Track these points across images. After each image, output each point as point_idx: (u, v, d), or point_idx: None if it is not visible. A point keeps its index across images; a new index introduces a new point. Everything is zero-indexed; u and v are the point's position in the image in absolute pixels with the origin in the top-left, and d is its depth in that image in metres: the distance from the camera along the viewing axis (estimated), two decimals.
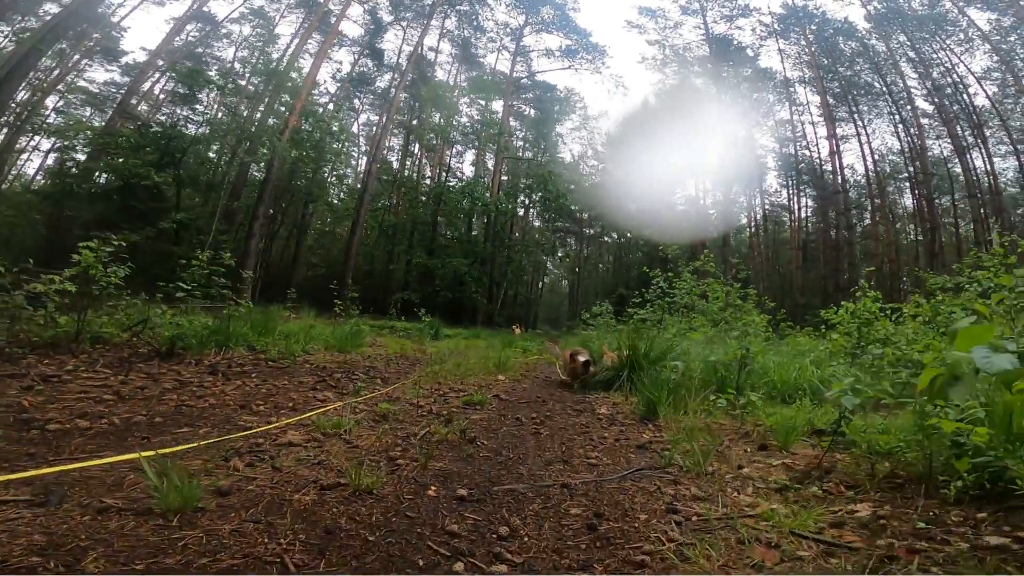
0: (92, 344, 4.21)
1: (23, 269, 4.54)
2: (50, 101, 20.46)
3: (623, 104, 47.08)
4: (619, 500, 1.79)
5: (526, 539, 1.44)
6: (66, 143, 16.18)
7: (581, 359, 4.97)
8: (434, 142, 27.47)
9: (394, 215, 25.14)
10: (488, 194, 23.66)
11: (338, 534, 1.37)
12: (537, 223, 36.18)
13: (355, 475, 1.71)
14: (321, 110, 21.67)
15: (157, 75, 22.70)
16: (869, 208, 33.00)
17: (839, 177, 30.98)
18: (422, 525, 1.48)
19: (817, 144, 33.76)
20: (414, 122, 26.45)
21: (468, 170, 33.27)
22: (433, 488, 1.77)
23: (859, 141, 31.80)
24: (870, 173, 31.79)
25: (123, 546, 1.19)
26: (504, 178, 30.22)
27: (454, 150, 30.94)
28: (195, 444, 2.02)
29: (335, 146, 20.43)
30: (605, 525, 1.55)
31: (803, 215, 36.18)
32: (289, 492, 1.61)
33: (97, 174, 15.49)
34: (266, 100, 18.26)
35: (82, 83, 21.53)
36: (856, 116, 32.02)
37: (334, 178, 22.05)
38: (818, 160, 33.99)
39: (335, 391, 3.71)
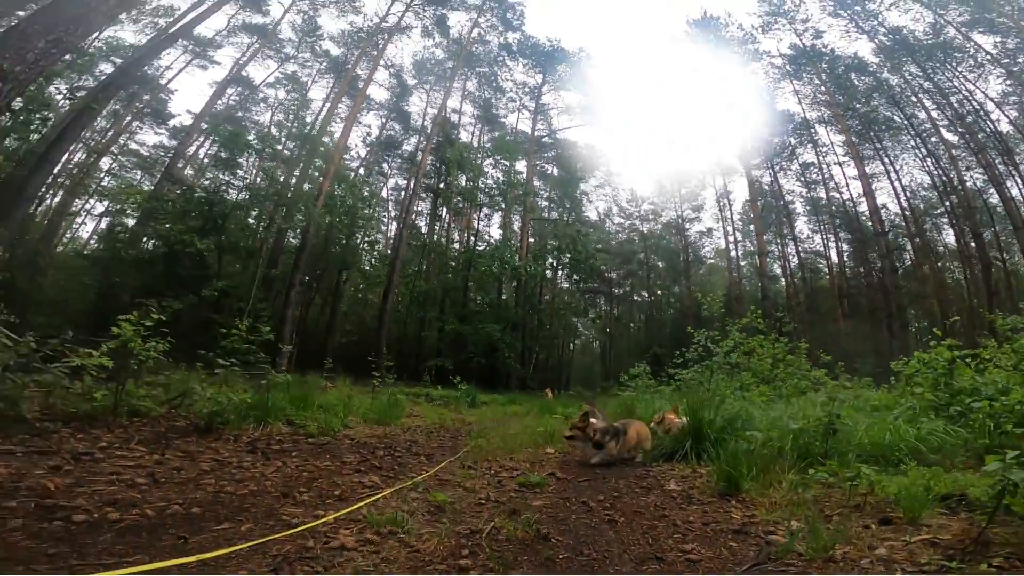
0: (129, 418, 4.09)
1: (64, 340, 4.53)
2: (104, 163, 22.04)
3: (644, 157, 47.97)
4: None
5: None
6: (117, 207, 17.08)
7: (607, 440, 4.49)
8: (461, 205, 28.27)
9: (424, 281, 25.47)
10: (517, 257, 23.84)
11: None
12: (565, 284, 36.20)
13: None
14: (352, 175, 22.72)
15: (201, 138, 24.48)
16: (909, 248, 31.94)
17: (876, 218, 30.23)
18: None
19: (847, 185, 33.22)
20: (441, 185, 27.37)
21: (495, 232, 34.06)
22: None
23: (889, 179, 31.21)
24: (905, 211, 30.98)
25: None
26: (531, 239, 30.65)
27: (481, 212, 31.77)
28: (238, 547, 1.77)
29: (366, 211, 21.19)
30: None
31: (839, 260, 35.22)
32: None
33: (144, 240, 16.18)
34: (300, 165, 19.34)
35: (133, 145, 23.22)
36: (881, 153, 31.65)
37: (366, 244, 22.65)
38: (850, 202, 33.35)
39: (380, 473, 3.42)
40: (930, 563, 1.67)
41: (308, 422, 5.15)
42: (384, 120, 31.12)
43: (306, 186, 17.95)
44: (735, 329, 10.30)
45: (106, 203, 18.13)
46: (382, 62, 26.05)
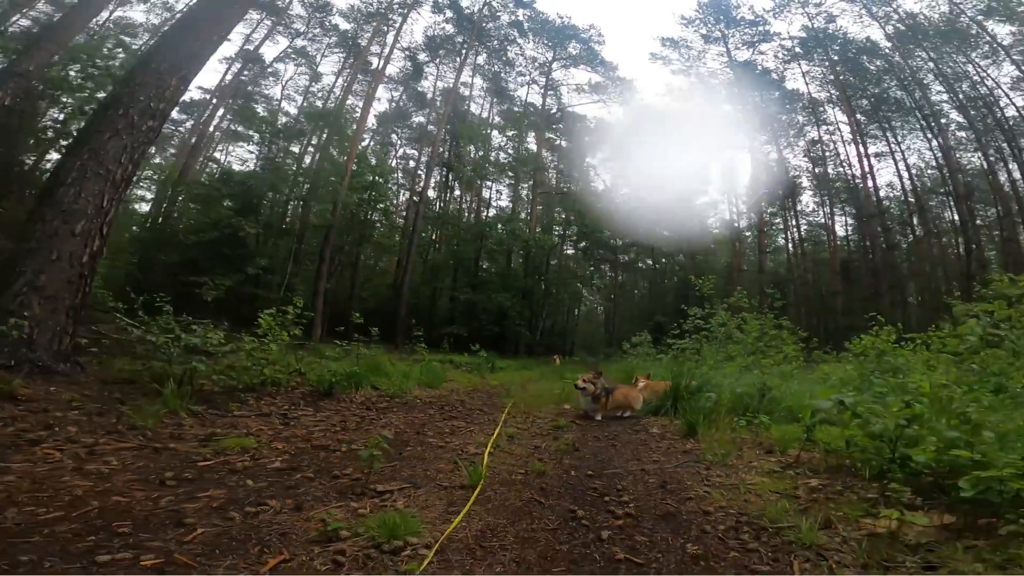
0: (274, 388, 5.88)
1: (211, 326, 6.23)
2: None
3: (653, 132, 48.58)
4: (676, 475, 3.25)
5: (631, 491, 2.92)
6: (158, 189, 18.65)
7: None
8: (471, 175, 29.68)
9: (437, 251, 27.18)
10: (527, 229, 25.47)
11: (547, 485, 2.88)
12: (571, 251, 37.83)
13: (532, 466, 3.23)
14: (372, 156, 24.14)
15: (218, 115, 25.71)
16: (915, 224, 33.21)
17: (876, 196, 31.60)
18: (577, 487, 2.97)
19: (850, 164, 34.28)
20: (450, 156, 28.70)
21: (504, 203, 35.48)
22: (572, 472, 3.28)
23: (893, 158, 32.37)
24: (907, 189, 32.23)
25: None
26: (539, 207, 32.11)
27: (492, 184, 33.19)
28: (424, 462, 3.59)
29: (385, 187, 22.72)
30: (670, 485, 3.02)
31: (843, 234, 36.64)
32: (515, 474, 3.14)
33: (190, 221, 17.81)
34: (315, 142, 20.58)
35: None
36: (889, 133, 32.65)
37: (381, 216, 24.22)
38: (853, 179, 34.39)
39: (462, 420, 5.26)
40: (769, 469, 3.44)
41: (386, 387, 6.99)
42: (398, 94, 32.08)
43: (327, 164, 19.40)
44: (721, 309, 12.02)
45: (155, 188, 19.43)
46: (396, 41, 26.84)
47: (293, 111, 32.18)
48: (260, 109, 28.19)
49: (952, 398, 3.24)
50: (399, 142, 36.47)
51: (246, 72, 27.09)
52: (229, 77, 27.49)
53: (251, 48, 26.91)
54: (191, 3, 7.91)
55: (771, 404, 5.59)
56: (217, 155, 29.17)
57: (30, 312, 4.46)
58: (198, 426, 3.71)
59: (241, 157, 30.49)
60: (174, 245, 16.96)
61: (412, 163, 34.61)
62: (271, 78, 30.06)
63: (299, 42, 30.09)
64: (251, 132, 25.08)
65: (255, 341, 5.69)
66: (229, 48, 27.35)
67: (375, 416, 5.12)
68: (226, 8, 7.00)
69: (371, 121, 30.90)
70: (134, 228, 18.78)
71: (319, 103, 26.33)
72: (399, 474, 3.02)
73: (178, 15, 20.35)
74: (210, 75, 35.70)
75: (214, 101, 25.45)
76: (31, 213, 5.07)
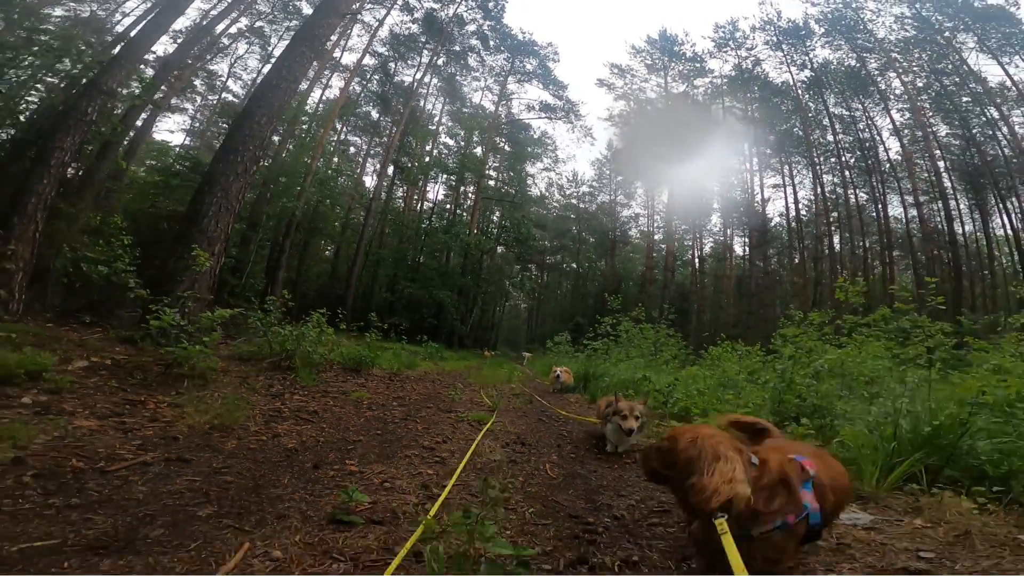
0: (327, 364, 8.88)
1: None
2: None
3: (590, 151, 53.70)
4: (577, 409, 6.97)
5: (561, 416, 6.57)
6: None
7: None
8: (419, 177, 32.45)
9: (380, 244, 29.76)
10: (468, 231, 28.84)
11: (525, 410, 6.44)
12: (501, 249, 41.72)
13: (515, 404, 6.78)
14: (333, 151, 26.24)
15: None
16: (796, 248, 40.37)
17: (767, 221, 38.53)
18: (535, 412, 6.56)
19: (753, 190, 40.76)
20: (404, 160, 31.28)
21: (443, 194, 38.43)
22: (531, 408, 6.88)
23: (784, 191, 39.18)
24: (790, 218, 39.23)
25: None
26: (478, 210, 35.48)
27: (437, 180, 36.06)
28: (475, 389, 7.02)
29: (341, 180, 25.00)
30: (576, 416, 6.72)
31: (741, 252, 43.48)
32: (509, 406, 6.65)
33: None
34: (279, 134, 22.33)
35: None
36: (787, 167, 39.49)
37: (337, 208, 26.28)
38: (757, 205, 40.90)
39: (457, 388, 8.67)
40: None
41: (386, 366, 10.16)
42: (357, 87, 33.84)
43: (291, 160, 21.47)
44: (626, 321, 16.20)
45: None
46: (370, 44, 28.89)
47: (237, 89, 33.04)
48: (199, 83, 28.98)
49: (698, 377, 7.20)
50: (344, 130, 38.26)
51: (195, 47, 27.82)
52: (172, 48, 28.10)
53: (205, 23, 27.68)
54: (275, 62, 10.53)
55: (641, 384, 9.56)
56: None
57: (188, 309, 7.25)
58: (330, 385, 6.86)
59: (168, 128, 30.75)
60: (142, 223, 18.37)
61: (353, 149, 36.64)
62: (219, 54, 30.72)
63: (257, 22, 30.95)
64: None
65: (321, 331, 8.70)
66: (183, 22, 27.81)
67: (401, 383, 8.40)
68: (299, 69, 9.82)
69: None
70: None
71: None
72: (462, 404, 6.46)
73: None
74: (159, 47, 35.19)
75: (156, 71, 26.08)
76: (179, 234, 7.76)
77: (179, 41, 27.14)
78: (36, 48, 11.73)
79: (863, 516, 2.82)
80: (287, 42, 28.31)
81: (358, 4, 27.07)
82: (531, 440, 4.71)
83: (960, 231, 30.30)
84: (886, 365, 7.28)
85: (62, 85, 12.62)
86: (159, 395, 4.36)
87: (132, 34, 13.20)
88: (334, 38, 29.45)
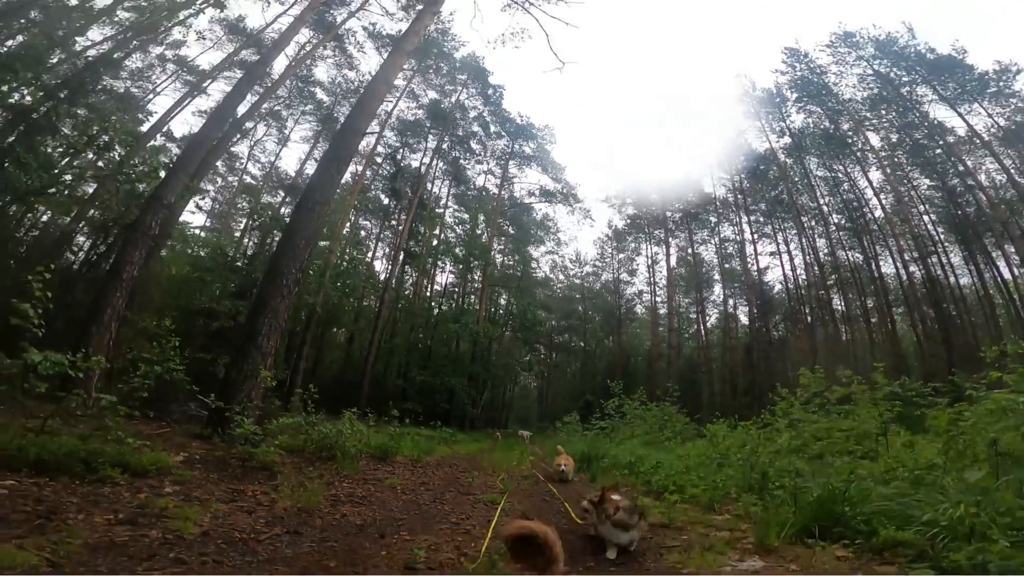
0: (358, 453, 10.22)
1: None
2: None
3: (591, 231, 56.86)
4: (579, 491, 8.24)
5: (564, 496, 7.85)
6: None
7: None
8: (428, 264, 34.86)
9: (392, 332, 31.58)
10: (476, 320, 30.73)
11: (531, 492, 7.74)
12: (508, 333, 43.44)
13: (523, 486, 8.08)
14: (354, 250, 28.82)
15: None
16: (803, 313, 41.37)
17: (768, 290, 40.02)
18: (540, 494, 7.85)
19: (746, 260, 42.38)
20: (414, 247, 33.81)
21: (451, 279, 40.76)
22: (538, 490, 8.17)
23: (779, 258, 40.72)
24: (788, 284, 40.43)
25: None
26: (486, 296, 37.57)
27: (445, 266, 38.58)
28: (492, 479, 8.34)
29: (359, 269, 27.24)
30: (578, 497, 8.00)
31: (745, 322, 44.64)
32: (518, 487, 7.95)
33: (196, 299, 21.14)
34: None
35: None
36: (782, 232, 41.29)
37: (352, 299, 28.35)
38: (751, 274, 42.37)
39: (472, 472, 9.93)
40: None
41: (407, 453, 11.44)
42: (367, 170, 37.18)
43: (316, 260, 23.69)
44: (630, 404, 17.46)
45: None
46: (380, 136, 32.38)
47: (254, 170, 36.22)
48: (220, 164, 32.25)
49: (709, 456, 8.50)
50: (355, 215, 41.37)
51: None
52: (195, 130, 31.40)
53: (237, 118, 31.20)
54: (309, 182, 12.72)
55: (643, 464, 10.76)
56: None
57: (249, 415, 8.77)
58: (366, 473, 8.23)
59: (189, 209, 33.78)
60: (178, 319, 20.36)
61: (363, 232, 39.46)
62: (241, 137, 34.11)
63: (275, 106, 34.58)
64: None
65: (352, 427, 10.13)
66: (206, 102, 31.06)
67: (424, 469, 9.70)
68: (330, 190, 11.91)
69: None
70: None
71: (290, 171, 31.06)
72: (477, 488, 7.78)
73: None
74: (180, 126, 39.32)
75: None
76: (240, 349, 9.42)
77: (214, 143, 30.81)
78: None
79: (757, 563, 4.16)
80: (303, 124, 31.60)
81: (377, 121, 30.61)
82: (533, 515, 6.04)
83: (955, 283, 30.63)
84: (840, 438, 8.61)
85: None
86: (248, 484, 5.81)
87: (167, 125, 15.79)
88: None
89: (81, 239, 22.05)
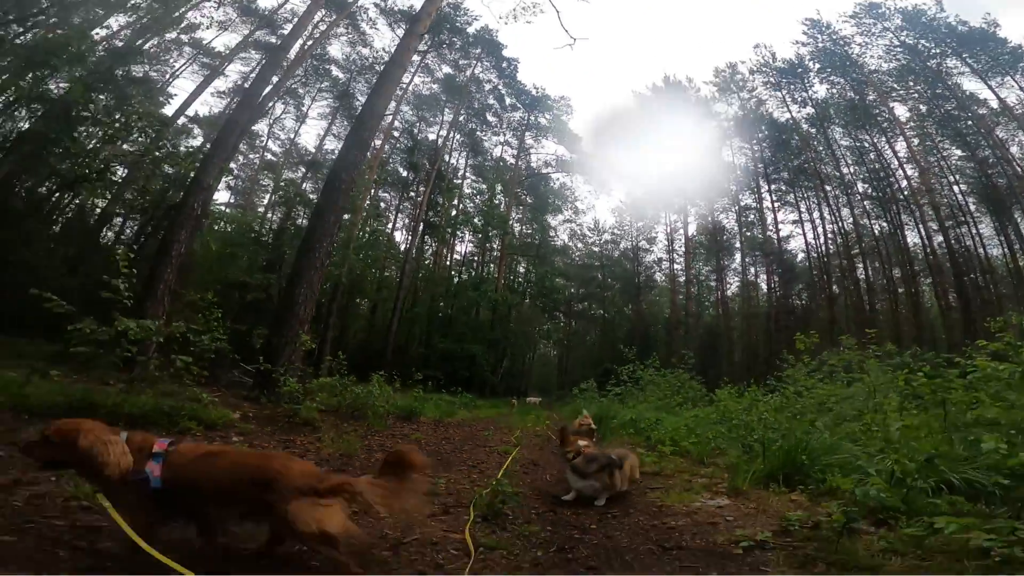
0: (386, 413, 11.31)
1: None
2: None
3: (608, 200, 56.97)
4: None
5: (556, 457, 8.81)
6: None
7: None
8: (448, 235, 35.75)
9: (413, 301, 32.77)
10: (495, 288, 31.66)
11: (542, 445, 8.71)
12: (527, 301, 44.35)
13: (534, 440, 9.06)
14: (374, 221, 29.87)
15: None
16: (825, 282, 41.29)
17: (791, 258, 39.94)
18: (547, 449, 8.81)
19: (774, 228, 42.16)
20: (434, 219, 34.69)
21: (470, 247, 41.63)
22: (549, 444, 9.15)
23: (802, 227, 40.37)
24: (812, 253, 40.21)
25: None
26: (504, 265, 38.39)
27: (465, 236, 39.47)
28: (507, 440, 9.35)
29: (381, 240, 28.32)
30: None
31: (768, 288, 44.65)
32: (529, 442, 8.92)
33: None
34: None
35: None
36: (804, 201, 40.90)
37: (375, 270, 29.52)
38: (774, 242, 42.17)
39: (491, 431, 10.94)
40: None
41: (430, 414, 12.52)
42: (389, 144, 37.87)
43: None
44: (646, 371, 18.26)
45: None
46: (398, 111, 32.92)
47: (274, 147, 37.22)
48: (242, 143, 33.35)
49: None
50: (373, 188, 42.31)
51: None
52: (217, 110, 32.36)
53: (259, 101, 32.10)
54: (333, 164, 13.58)
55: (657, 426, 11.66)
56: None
57: (292, 375, 9.84)
58: (395, 428, 9.29)
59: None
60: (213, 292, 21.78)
61: (383, 204, 40.41)
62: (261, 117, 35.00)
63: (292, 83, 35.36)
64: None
65: (381, 389, 11.17)
66: (222, 83, 32.02)
67: (445, 428, 10.75)
68: (355, 171, 12.75)
69: None
70: None
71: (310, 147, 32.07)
72: (493, 441, 8.78)
73: None
74: (201, 107, 40.45)
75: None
76: (280, 317, 10.47)
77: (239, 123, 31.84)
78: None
79: (724, 501, 5.02)
80: (319, 101, 32.32)
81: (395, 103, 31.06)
82: (541, 463, 6.99)
83: (983, 254, 30.56)
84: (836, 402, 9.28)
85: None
86: (296, 436, 6.86)
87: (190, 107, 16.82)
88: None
89: (118, 220, 23.34)
